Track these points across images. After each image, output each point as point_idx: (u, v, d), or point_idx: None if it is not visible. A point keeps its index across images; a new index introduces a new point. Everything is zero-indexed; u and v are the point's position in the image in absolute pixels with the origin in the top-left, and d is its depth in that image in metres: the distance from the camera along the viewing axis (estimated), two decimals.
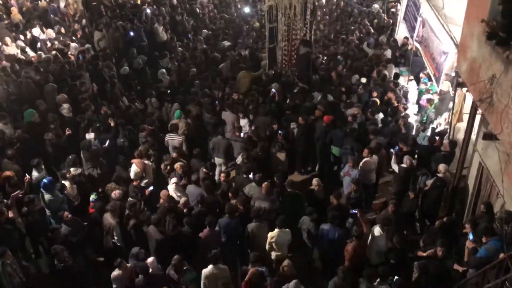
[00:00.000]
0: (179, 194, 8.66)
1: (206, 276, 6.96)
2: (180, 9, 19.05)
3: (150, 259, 7.11)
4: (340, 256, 7.56)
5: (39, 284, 7.99)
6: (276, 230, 7.59)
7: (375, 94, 11.81)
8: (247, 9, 19.51)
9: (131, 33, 15.84)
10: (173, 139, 10.27)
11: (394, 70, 13.84)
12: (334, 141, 10.24)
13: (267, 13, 13.52)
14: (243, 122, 11.05)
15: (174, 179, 8.83)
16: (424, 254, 7.23)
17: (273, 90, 12.15)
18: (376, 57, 14.48)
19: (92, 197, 8.54)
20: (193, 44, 16.42)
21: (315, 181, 8.76)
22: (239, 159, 9.77)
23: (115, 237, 7.90)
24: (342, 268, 6.82)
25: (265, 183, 8.39)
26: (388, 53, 14.99)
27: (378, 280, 6.60)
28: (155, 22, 16.68)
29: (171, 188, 8.72)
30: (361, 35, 17.02)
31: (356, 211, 7.92)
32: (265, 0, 13.82)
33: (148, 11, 17.68)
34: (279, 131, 10.30)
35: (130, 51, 14.88)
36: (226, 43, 16.47)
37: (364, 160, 9.28)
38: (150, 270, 7.01)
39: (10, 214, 7.78)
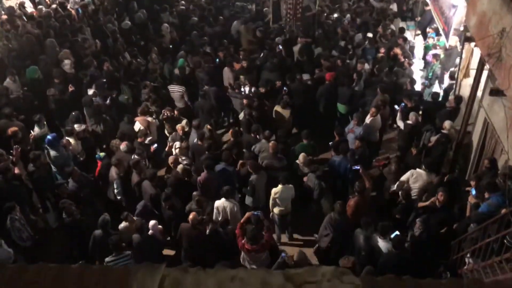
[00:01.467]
0: (183, 158, 8.63)
1: (217, 206, 7.42)
2: None
3: (151, 222, 7.09)
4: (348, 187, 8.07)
5: (48, 238, 8.15)
6: (280, 186, 7.66)
7: (382, 50, 11.58)
8: None
9: None
10: (173, 91, 10.27)
11: (401, 24, 13.54)
12: (341, 99, 10.15)
13: None
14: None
15: (177, 144, 8.67)
16: (425, 203, 7.30)
17: (280, 46, 11.94)
18: (383, 11, 14.13)
19: (100, 155, 8.59)
20: None
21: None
22: (241, 116, 9.71)
23: (115, 190, 7.99)
24: (340, 202, 6.98)
25: (272, 141, 8.39)
26: (394, 7, 14.62)
27: (379, 235, 6.71)
28: None
29: (175, 154, 8.59)
30: None
31: (358, 167, 7.96)
32: None
33: None
34: (284, 88, 10.18)
35: (131, 5, 14.54)
36: None
37: (370, 119, 9.22)
38: (151, 231, 7.02)
39: (16, 170, 7.86)
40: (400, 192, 7.50)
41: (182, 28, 13.79)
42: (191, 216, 6.93)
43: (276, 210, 7.88)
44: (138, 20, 13.86)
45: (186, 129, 9.16)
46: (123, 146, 8.41)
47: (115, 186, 7.99)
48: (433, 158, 8.32)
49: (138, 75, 11.26)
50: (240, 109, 10.15)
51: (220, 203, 7.47)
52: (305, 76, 10.66)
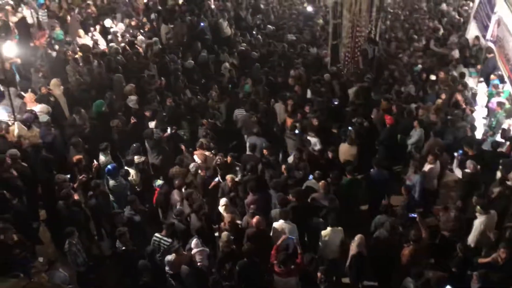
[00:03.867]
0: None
1: (276, 227, 7.53)
2: (245, 4, 19.24)
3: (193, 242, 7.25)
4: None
5: (100, 265, 8.36)
6: (329, 228, 7.53)
7: (443, 96, 11.34)
8: (309, 8, 19.36)
9: (202, 24, 16.23)
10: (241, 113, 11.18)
11: (463, 71, 13.25)
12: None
13: (332, 9, 13.38)
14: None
15: (223, 201, 8.14)
16: (486, 260, 6.90)
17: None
18: (444, 57, 13.93)
19: (158, 182, 8.86)
20: (255, 40, 16.50)
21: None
22: (290, 159, 9.63)
23: (174, 212, 8.05)
24: (392, 222, 6.96)
25: (323, 181, 8.33)
26: (456, 53, 14.36)
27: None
28: (219, 17, 16.95)
29: (221, 209, 8.16)
30: (429, 34, 16.41)
31: (415, 215, 7.69)
32: None
33: (213, 6, 17.97)
34: (349, 127, 10.21)
35: (195, 45, 15.21)
36: (291, 37, 16.41)
37: (428, 166, 8.97)
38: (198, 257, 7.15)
39: (76, 197, 8.23)
40: (458, 245, 7.13)
41: (242, 68, 14.20)
42: (255, 220, 7.41)
43: (325, 253, 7.68)
44: (200, 59, 14.42)
45: (237, 179, 8.84)
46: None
47: (175, 210, 8.11)
48: (495, 211, 7.89)
49: (197, 112, 11.64)
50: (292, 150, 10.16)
51: (278, 224, 7.56)
52: (359, 120, 10.58)
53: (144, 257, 7.38)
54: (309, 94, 12.27)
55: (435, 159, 8.94)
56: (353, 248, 7.16)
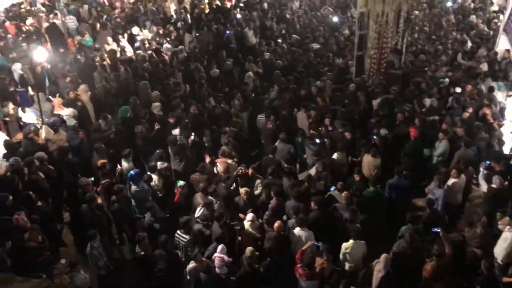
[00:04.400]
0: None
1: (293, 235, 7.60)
2: (270, 14, 19.33)
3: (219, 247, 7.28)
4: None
5: (121, 269, 8.44)
6: (351, 241, 7.44)
7: (470, 110, 11.15)
8: (335, 18, 19.31)
9: (228, 32, 16.40)
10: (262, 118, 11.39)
11: (492, 84, 12.99)
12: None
13: (358, 19, 13.33)
14: None
15: (250, 216, 8.04)
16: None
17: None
18: (471, 70, 13.70)
19: (180, 183, 8.94)
20: (280, 48, 16.52)
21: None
22: (313, 171, 9.56)
23: (197, 213, 8.10)
24: (410, 231, 6.82)
25: (345, 192, 8.27)
26: (485, 66, 14.10)
27: None
28: (245, 26, 17.07)
29: (247, 224, 8.08)
30: (457, 47, 16.17)
31: (439, 230, 7.53)
32: (357, 7, 13.61)
33: (239, 16, 18.10)
34: (373, 136, 10.20)
35: (220, 54, 15.34)
36: (315, 46, 16.40)
37: (452, 181, 8.81)
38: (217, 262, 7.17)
39: (99, 201, 8.35)
40: (482, 262, 6.94)
41: (266, 77, 14.23)
42: (276, 224, 7.58)
43: (346, 266, 7.60)
44: (225, 68, 14.54)
45: (257, 191, 8.83)
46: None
47: (198, 212, 8.20)
48: None
49: (220, 120, 11.70)
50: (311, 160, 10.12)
51: (296, 231, 7.61)
52: (383, 131, 10.50)
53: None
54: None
55: (459, 173, 8.77)
56: (380, 269, 6.97)
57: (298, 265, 7.02)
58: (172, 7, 19.60)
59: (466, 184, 8.97)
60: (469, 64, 14.22)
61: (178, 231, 7.83)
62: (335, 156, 9.71)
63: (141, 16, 18.29)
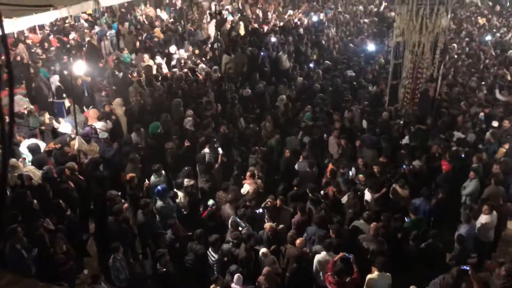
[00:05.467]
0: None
1: (319, 260, 7.54)
2: (306, 39, 19.47)
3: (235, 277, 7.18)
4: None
5: (142, 283, 8.44)
6: (376, 272, 7.20)
7: (506, 146, 10.82)
8: (371, 46, 19.29)
9: (262, 53, 16.64)
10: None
11: None
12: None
13: (394, 48, 13.26)
14: None
15: (263, 250, 7.82)
16: None
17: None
18: (509, 105, 13.35)
19: (210, 202, 8.96)
20: (313, 73, 16.55)
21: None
22: (344, 199, 9.34)
23: (232, 236, 7.99)
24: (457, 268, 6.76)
25: (374, 223, 8.06)
26: None
27: None
28: (280, 50, 17.22)
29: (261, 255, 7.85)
30: (494, 81, 15.79)
31: (467, 268, 7.25)
32: (393, 36, 13.56)
33: (273, 39, 18.30)
34: (403, 166, 10.04)
35: (253, 75, 15.49)
36: (350, 73, 16.36)
37: (484, 217, 8.49)
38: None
39: (126, 214, 8.43)
40: None
41: (299, 101, 14.22)
42: (298, 241, 7.73)
43: None
44: (257, 90, 14.65)
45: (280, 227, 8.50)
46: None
47: (229, 225, 8.27)
48: None
49: (250, 141, 11.73)
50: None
51: (321, 256, 7.55)
52: (416, 162, 10.29)
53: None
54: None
55: (491, 210, 8.46)
56: None
57: (329, 273, 7.07)
58: (211, 28, 20.00)
59: (499, 221, 8.65)
60: (507, 99, 13.88)
61: (210, 249, 7.88)
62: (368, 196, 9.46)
63: (178, 36, 18.73)
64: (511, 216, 9.45)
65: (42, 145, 10.39)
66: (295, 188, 9.57)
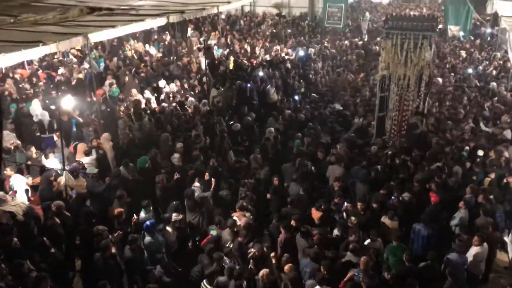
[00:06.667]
0: None
1: None
2: (293, 73, 19.76)
3: None
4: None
5: None
6: None
7: (492, 175, 10.93)
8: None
9: (248, 85, 16.84)
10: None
11: None
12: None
13: (379, 82, 13.50)
14: None
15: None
16: None
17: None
18: (494, 136, 13.57)
19: (212, 231, 8.94)
20: (300, 105, 16.69)
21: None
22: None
23: (226, 270, 7.79)
24: None
25: (364, 257, 7.97)
26: (508, 133, 13.95)
27: None
28: (268, 84, 17.42)
29: None
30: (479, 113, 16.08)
31: None
32: (379, 70, 13.82)
33: (261, 73, 18.51)
34: (392, 197, 10.07)
35: (242, 109, 15.59)
36: (337, 106, 16.55)
37: (474, 250, 8.50)
38: None
39: (113, 250, 8.26)
40: None
41: (286, 134, 14.30)
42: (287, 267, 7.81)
43: None
44: (245, 122, 14.71)
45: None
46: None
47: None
48: None
49: (239, 174, 11.69)
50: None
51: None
52: (406, 195, 10.32)
53: None
54: None
55: (482, 241, 8.47)
56: None
57: None
58: (202, 62, 20.16)
59: (489, 252, 8.64)
60: (491, 131, 14.11)
61: (204, 281, 7.75)
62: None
63: (167, 72, 18.88)
64: (501, 246, 9.43)
65: (27, 180, 10.29)
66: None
